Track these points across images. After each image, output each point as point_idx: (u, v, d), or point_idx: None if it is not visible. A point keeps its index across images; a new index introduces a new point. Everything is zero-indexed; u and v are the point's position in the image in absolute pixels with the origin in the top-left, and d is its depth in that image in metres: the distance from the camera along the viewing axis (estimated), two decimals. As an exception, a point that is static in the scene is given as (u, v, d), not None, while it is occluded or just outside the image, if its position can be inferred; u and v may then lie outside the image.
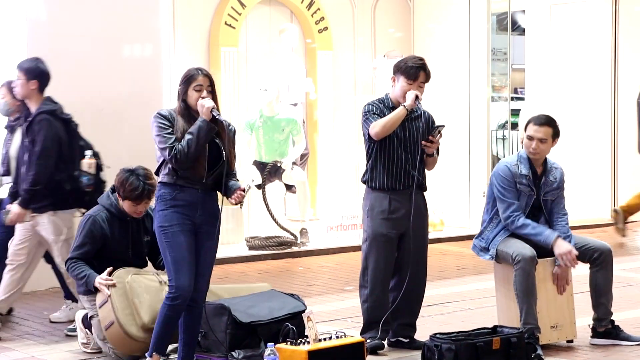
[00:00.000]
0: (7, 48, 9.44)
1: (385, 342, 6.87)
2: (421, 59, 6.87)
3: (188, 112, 5.81)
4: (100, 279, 6.53)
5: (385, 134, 6.71)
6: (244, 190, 5.85)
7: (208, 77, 5.84)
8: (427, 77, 6.84)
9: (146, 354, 5.93)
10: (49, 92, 9.38)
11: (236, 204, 5.87)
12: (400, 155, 6.78)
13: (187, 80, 5.81)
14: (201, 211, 5.81)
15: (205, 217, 5.84)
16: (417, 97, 6.69)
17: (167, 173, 5.80)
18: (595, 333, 7.04)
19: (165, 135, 5.73)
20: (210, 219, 5.86)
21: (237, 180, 5.96)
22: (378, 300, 6.83)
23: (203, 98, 5.76)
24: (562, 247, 6.80)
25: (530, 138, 6.90)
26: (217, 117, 5.75)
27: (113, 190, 6.85)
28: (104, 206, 6.84)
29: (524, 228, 6.83)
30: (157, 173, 5.90)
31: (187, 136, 5.70)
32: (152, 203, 5.97)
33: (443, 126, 6.81)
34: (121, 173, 6.76)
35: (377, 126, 6.69)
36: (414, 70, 6.77)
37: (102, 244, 6.76)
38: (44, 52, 9.40)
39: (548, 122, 6.94)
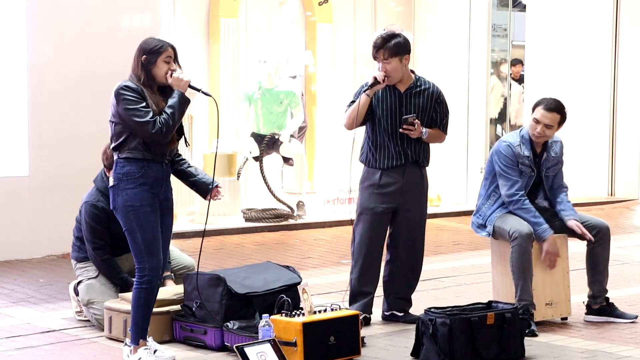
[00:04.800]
0: (7, 17, 9.39)
1: (370, 317, 6.90)
2: (384, 36, 6.68)
3: (152, 83, 5.67)
4: None
5: (354, 125, 6.68)
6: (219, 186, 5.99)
7: (173, 48, 5.73)
8: (391, 53, 6.61)
9: (128, 342, 5.82)
10: (49, 62, 9.40)
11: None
12: (397, 134, 6.74)
13: (157, 51, 5.65)
14: (164, 186, 5.75)
15: (166, 193, 5.79)
16: (375, 79, 6.61)
17: (135, 148, 5.62)
18: (590, 310, 7.05)
19: (141, 109, 5.57)
20: (169, 194, 5.82)
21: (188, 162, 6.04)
22: (360, 273, 6.85)
23: (173, 70, 5.66)
24: (553, 246, 6.81)
25: (537, 122, 6.86)
26: (202, 90, 5.73)
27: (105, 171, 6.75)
28: (100, 190, 6.74)
29: (526, 212, 6.81)
30: (115, 149, 5.67)
31: (168, 110, 5.59)
32: (111, 181, 5.72)
33: (414, 116, 6.71)
34: (108, 148, 6.55)
35: (345, 118, 6.71)
36: (374, 51, 6.70)
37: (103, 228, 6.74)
38: (44, 22, 9.41)
39: (557, 108, 6.85)
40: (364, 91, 6.66)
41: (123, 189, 5.64)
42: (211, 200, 6.03)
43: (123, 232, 6.54)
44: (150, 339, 5.83)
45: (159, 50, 5.66)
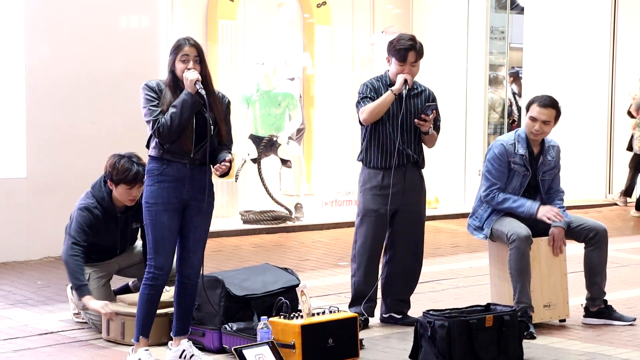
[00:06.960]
0: (4, 19, 9.39)
1: (369, 319, 6.89)
2: (411, 39, 6.77)
3: (176, 84, 5.64)
4: (98, 308, 6.38)
5: (374, 120, 6.70)
6: (230, 162, 5.67)
7: (195, 47, 5.63)
8: (419, 55, 6.76)
9: (132, 339, 5.81)
10: (46, 64, 9.40)
11: (220, 175, 5.69)
12: (396, 134, 6.74)
13: (175, 50, 5.63)
14: (189, 186, 5.65)
15: (193, 193, 5.67)
16: (405, 81, 6.66)
17: (154, 147, 5.65)
18: (588, 312, 7.05)
19: (150, 107, 5.58)
20: (199, 194, 5.69)
21: (230, 152, 5.78)
22: (365, 275, 6.86)
23: (188, 70, 5.58)
24: (544, 208, 6.81)
25: (534, 119, 6.85)
26: (199, 90, 5.56)
27: (105, 181, 6.69)
28: (97, 199, 6.68)
29: (505, 202, 6.83)
30: (147, 146, 5.73)
31: (171, 109, 5.53)
32: None
33: (435, 104, 6.77)
34: (111, 158, 6.59)
35: (365, 112, 6.69)
36: (403, 52, 6.72)
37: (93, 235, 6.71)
38: (41, 23, 9.40)
39: (552, 103, 6.88)
40: (391, 89, 6.67)
41: (147, 185, 5.69)
42: (219, 173, 5.69)
43: (109, 241, 6.70)
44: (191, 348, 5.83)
45: (175, 51, 5.64)
